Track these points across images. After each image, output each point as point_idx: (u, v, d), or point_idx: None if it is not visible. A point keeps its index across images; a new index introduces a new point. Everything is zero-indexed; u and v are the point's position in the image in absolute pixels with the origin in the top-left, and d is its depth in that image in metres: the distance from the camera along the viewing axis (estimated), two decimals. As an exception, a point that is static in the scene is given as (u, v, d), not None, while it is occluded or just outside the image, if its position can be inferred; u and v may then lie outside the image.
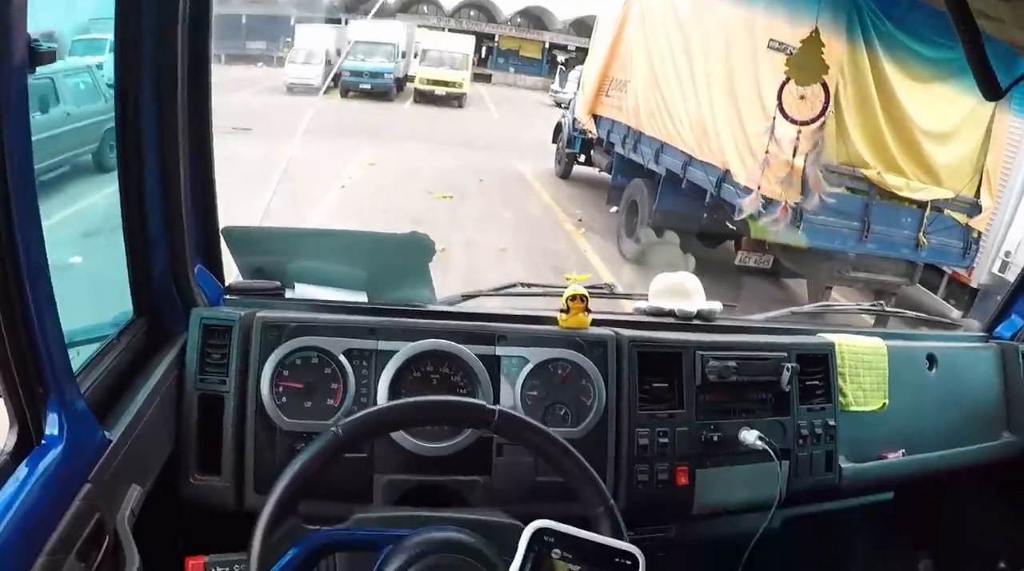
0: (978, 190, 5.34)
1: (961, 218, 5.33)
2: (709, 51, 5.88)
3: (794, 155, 1.40)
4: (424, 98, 18.68)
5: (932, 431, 1.82)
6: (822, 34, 1.40)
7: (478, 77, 24.72)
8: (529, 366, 1.37)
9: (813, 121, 1.35)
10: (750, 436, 1.48)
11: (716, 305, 1.70)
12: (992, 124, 5.23)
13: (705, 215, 6.10)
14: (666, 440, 1.44)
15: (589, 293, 1.47)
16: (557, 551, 0.78)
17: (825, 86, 1.45)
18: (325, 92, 16.93)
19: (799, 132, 1.34)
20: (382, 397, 1.30)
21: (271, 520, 0.88)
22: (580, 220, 8.20)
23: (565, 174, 10.46)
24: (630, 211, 7.21)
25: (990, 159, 5.31)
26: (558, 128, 10.69)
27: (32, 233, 0.80)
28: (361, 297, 1.51)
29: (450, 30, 24.60)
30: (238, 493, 1.26)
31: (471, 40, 22.10)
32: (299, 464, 0.92)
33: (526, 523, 0.80)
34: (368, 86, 17.88)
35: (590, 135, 8.95)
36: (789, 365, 1.55)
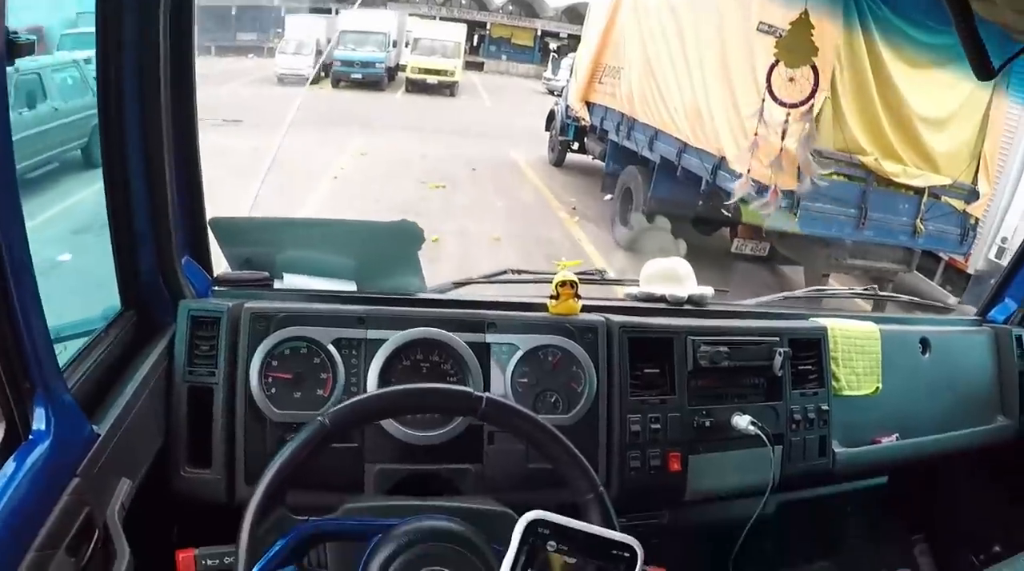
0: (975, 176, 5.32)
1: (958, 204, 5.31)
2: (703, 36, 5.84)
3: (783, 138, 1.40)
4: (416, 87, 18.59)
5: (926, 415, 1.82)
6: (818, 19, 1.39)
7: (470, 65, 24.59)
8: (519, 353, 1.37)
9: (802, 103, 1.34)
10: (742, 421, 1.48)
11: (708, 290, 1.70)
12: (989, 110, 5.20)
13: (700, 202, 6.07)
14: (658, 426, 1.44)
15: (580, 279, 1.46)
16: (552, 543, 0.75)
17: (815, 68, 1.43)
18: (317, 83, 16.85)
19: (788, 115, 1.34)
20: (372, 386, 1.29)
21: (258, 511, 0.88)
22: (574, 208, 8.18)
23: (558, 162, 10.43)
24: (624, 199, 7.20)
25: (987, 145, 5.29)
26: (551, 116, 10.65)
27: (14, 229, 0.79)
28: (350, 286, 1.50)
29: (441, 18, 24.40)
30: (229, 485, 1.25)
31: (463, 28, 21.95)
32: (286, 454, 0.92)
33: (517, 511, 0.78)
34: (359, 76, 17.81)
35: (583, 122, 8.92)
36: (781, 350, 1.55)
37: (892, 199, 5.18)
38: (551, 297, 1.46)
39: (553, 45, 26.68)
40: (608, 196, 7.82)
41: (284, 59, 17.26)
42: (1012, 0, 0.99)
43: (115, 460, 1.00)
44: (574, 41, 15.36)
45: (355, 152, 9.67)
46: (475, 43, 28.39)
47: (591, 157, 9.43)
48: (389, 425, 1.28)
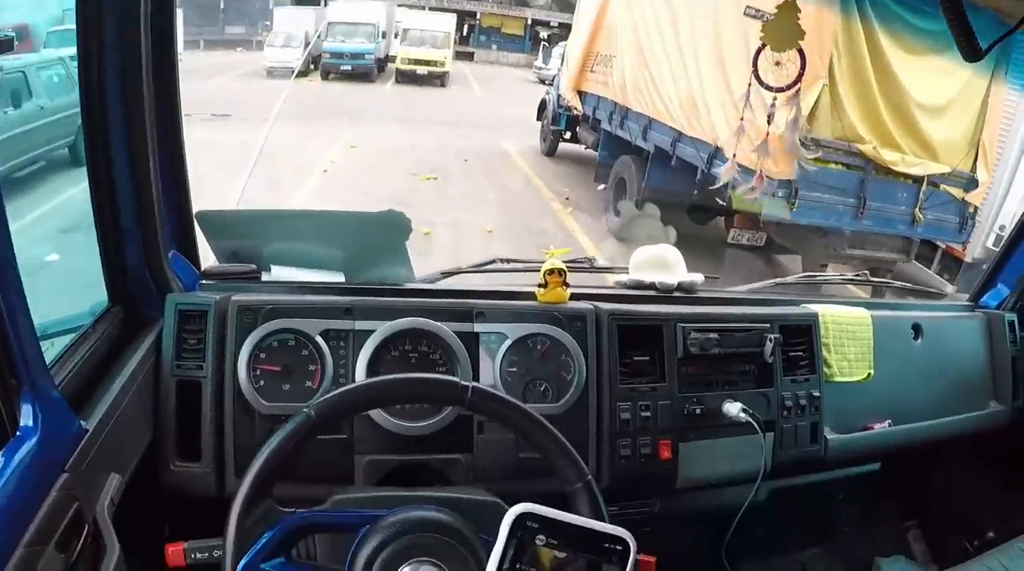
0: (974, 164, 5.28)
1: (957, 193, 5.28)
2: (696, 23, 5.80)
3: (769, 122, 1.39)
4: (406, 78, 18.47)
5: (918, 401, 1.82)
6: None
7: (460, 55, 24.49)
8: (508, 342, 1.37)
9: (789, 88, 1.34)
10: (733, 408, 1.48)
11: (698, 277, 1.70)
12: (988, 97, 5.16)
13: (695, 192, 6.01)
14: (648, 414, 1.44)
15: (569, 267, 1.46)
16: (542, 537, 0.74)
17: (802, 52, 1.43)
18: (306, 75, 16.75)
19: (775, 99, 1.33)
20: (360, 377, 1.29)
21: (245, 503, 0.88)
22: (567, 198, 8.14)
23: (550, 152, 10.38)
24: (618, 188, 7.15)
25: (986, 133, 5.25)
26: (542, 105, 10.58)
27: None
28: (338, 277, 1.50)
29: (430, 8, 24.25)
30: (219, 479, 1.25)
31: (452, 18, 21.82)
32: (272, 447, 0.92)
33: (507, 501, 0.78)
34: (349, 67, 17.69)
35: (575, 112, 8.85)
36: (772, 336, 1.55)
37: (890, 188, 5.14)
38: (539, 285, 1.45)
39: (544, 34, 26.56)
40: (601, 186, 7.78)
41: (273, 52, 17.11)
42: None
43: (104, 455, 1.00)
44: (565, 30, 15.27)
45: (345, 144, 9.61)
46: (465, 33, 28.24)
47: (584, 147, 9.39)
48: (378, 416, 1.27)
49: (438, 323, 1.34)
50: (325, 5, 20.39)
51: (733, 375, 1.55)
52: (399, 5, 21.52)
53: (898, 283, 2.30)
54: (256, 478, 0.90)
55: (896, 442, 1.78)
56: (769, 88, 1.44)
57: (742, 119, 1.54)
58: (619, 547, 0.75)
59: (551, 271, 1.44)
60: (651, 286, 1.67)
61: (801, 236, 5.46)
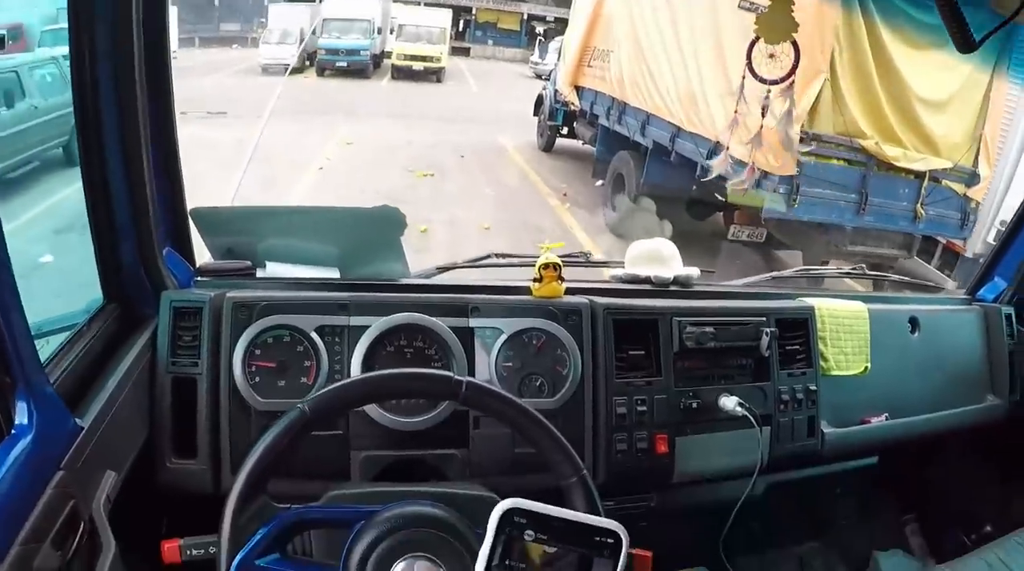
0: (976, 159, 5.23)
1: (959, 188, 5.22)
2: (695, 17, 5.73)
3: (763, 115, 1.39)
4: (402, 74, 18.46)
5: (915, 395, 1.82)
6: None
7: (456, 51, 24.45)
8: (503, 337, 1.36)
9: (783, 80, 1.33)
10: (730, 402, 1.48)
11: (693, 271, 1.70)
12: (990, 91, 5.10)
13: (694, 187, 5.97)
14: (644, 408, 1.44)
15: (564, 262, 1.46)
16: (530, 532, 0.73)
17: (796, 45, 1.42)
18: (302, 72, 16.71)
19: (769, 91, 1.33)
20: (355, 373, 1.29)
21: (240, 500, 0.88)
22: (565, 194, 8.10)
23: (548, 147, 10.33)
24: (616, 184, 7.10)
25: (988, 127, 5.19)
26: (539, 100, 10.53)
27: None
28: (333, 273, 1.50)
29: (426, 4, 24.12)
30: (215, 475, 1.25)
31: (448, 14, 21.77)
32: (266, 443, 0.92)
33: (503, 496, 0.77)
34: (345, 64, 17.69)
35: (572, 107, 8.80)
36: (768, 330, 1.55)
37: (892, 184, 5.08)
38: (534, 280, 1.45)
39: (540, 29, 26.51)
40: (599, 182, 7.73)
41: (268, 49, 17.08)
42: None
43: (99, 453, 1.00)
44: (561, 25, 15.26)
45: (341, 141, 9.59)
46: (461, 28, 28.21)
47: (581, 142, 9.34)
48: (374, 411, 1.28)
49: (433, 318, 1.34)
50: (320, 1, 20.33)
51: (729, 369, 1.55)
52: (395, 1, 21.46)
53: (894, 276, 2.30)
54: (251, 475, 0.90)
55: (893, 436, 1.78)
56: (763, 81, 1.44)
57: (736, 112, 1.54)
58: (611, 540, 0.74)
59: (546, 266, 1.44)
60: (647, 280, 1.66)
61: (802, 232, 5.40)
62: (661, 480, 1.49)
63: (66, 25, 1.13)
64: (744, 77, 1.44)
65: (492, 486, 1.07)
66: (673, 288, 1.67)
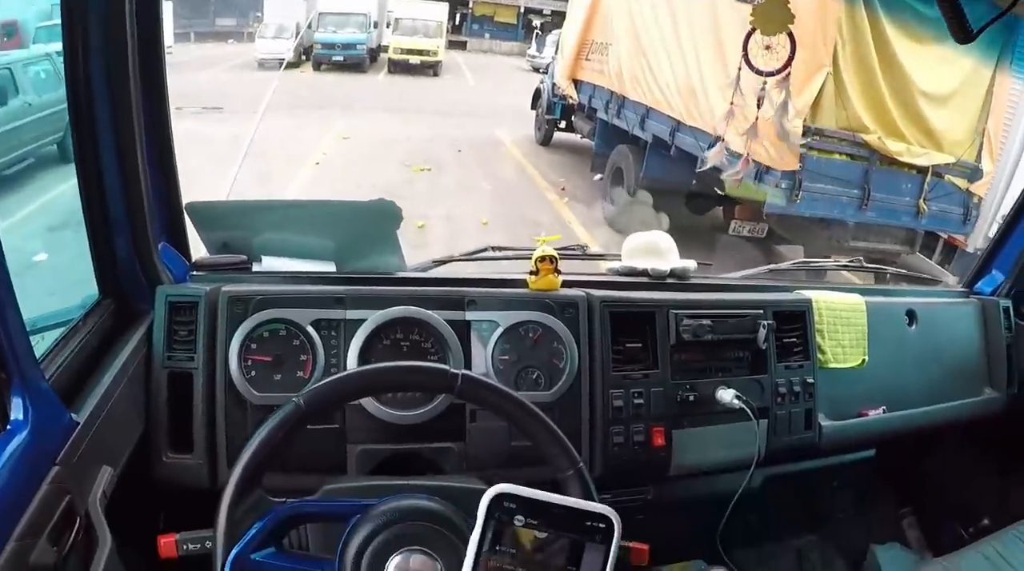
0: (979, 154, 5.19)
1: (962, 183, 5.18)
2: (695, 9, 5.68)
3: (759, 106, 1.38)
4: (398, 68, 18.43)
5: (913, 387, 1.82)
6: None
7: (453, 44, 24.43)
8: (499, 330, 1.36)
9: (779, 72, 1.33)
10: (727, 395, 1.48)
11: (690, 263, 1.70)
12: (993, 86, 5.07)
13: (694, 182, 5.86)
14: (641, 401, 1.44)
15: (561, 254, 1.46)
16: (520, 518, 0.72)
17: (792, 36, 1.42)
18: (298, 66, 16.67)
19: (765, 83, 1.32)
20: (351, 366, 1.28)
21: (235, 494, 0.88)
22: (563, 189, 8.07)
23: (545, 141, 10.30)
24: (615, 178, 7.06)
25: (991, 122, 5.16)
26: (537, 94, 10.48)
27: None
28: (329, 267, 1.49)
29: (422, -2, 24.13)
30: (211, 470, 1.25)
31: (444, 7, 21.71)
32: (261, 437, 0.92)
33: None
34: (341, 58, 17.63)
35: (571, 101, 8.76)
36: (765, 322, 1.55)
37: (895, 179, 5.03)
38: (531, 273, 1.45)
39: (536, 22, 26.45)
40: (598, 176, 7.70)
41: (264, 44, 17.02)
42: None
43: (95, 448, 1.00)
44: (558, 18, 15.21)
45: (337, 136, 9.57)
46: (457, 22, 28.15)
47: (579, 136, 9.31)
48: (370, 405, 1.27)
49: (429, 311, 1.34)
50: (316, -5, 20.26)
51: (726, 361, 1.55)
52: (391, -6, 21.39)
53: (891, 269, 2.30)
54: (246, 469, 0.90)
55: (891, 429, 1.78)
56: (759, 72, 1.43)
57: (732, 103, 1.54)
58: (602, 525, 0.72)
59: (542, 258, 1.43)
60: (643, 273, 1.67)
61: (804, 228, 5.35)
62: (658, 473, 1.49)
63: (60, 21, 1.12)
64: (740, 68, 1.44)
65: (488, 479, 1.06)
66: (670, 280, 1.67)
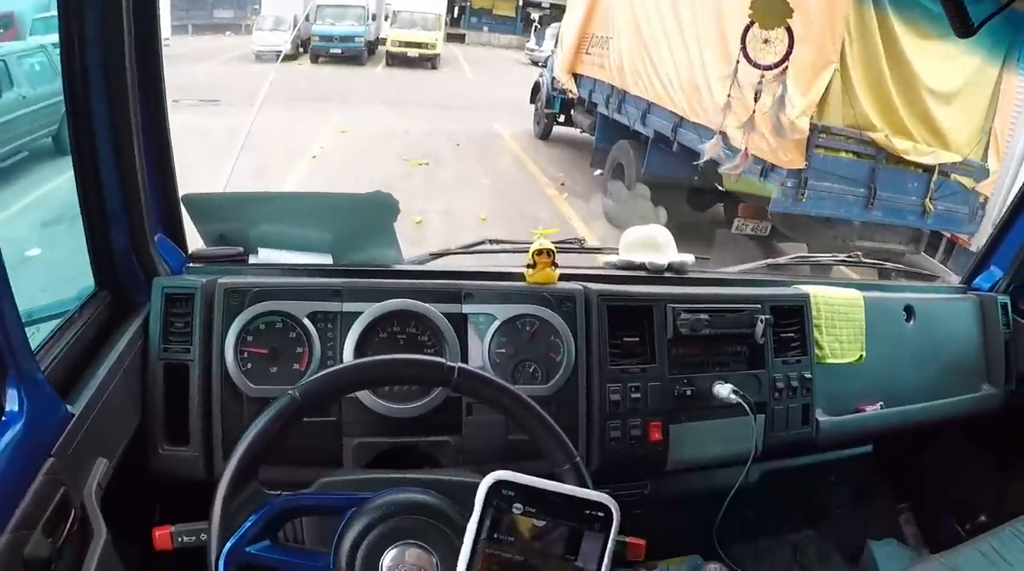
0: (985, 153, 5.13)
1: (968, 182, 5.12)
2: (698, 3, 5.61)
3: (756, 100, 1.38)
4: (396, 61, 18.40)
5: (910, 383, 1.82)
6: None
7: (451, 37, 24.40)
8: (496, 323, 1.36)
9: (776, 66, 1.33)
10: (724, 390, 1.47)
11: (688, 257, 1.69)
12: (1000, 84, 5.01)
13: (696, 178, 5.81)
14: (638, 395, 1.44)
15: (558, 248, 1.45)
16: (519, 506, 0.72)
17: (790, 31, 1.42)
18: (296, 59, 16.62)
19: (762, 77, 1.32)
20: (347, 359, 1.28)
21: (230, 486, 0.88)
22: (562, 184, 8.03)
23: (544, 135, 10.26)
24: (615, 174, 7.00)
25: (998, 121, 5.10)
26: (536, 88, 10.42)
27: None
28: (326, 259, 1.49)
29: (421, -10, 24.03)
30: (207, 462, 1.25)
31: (443, 0, 21.63)
32: (256, 429, 0.91)
33: None
34: (339, 51, 17.59)
35: (571, 95, 8.70)
36: (763, 317, 1.54)
37: (901, 177, 4.96)
38: (528, 266, 1.45)
39: (535, 15, 26.36)
40: (598, 171, 7.65)
41: (262, 36, 16.97)
42: None
43: (91, 440, 1.00)
44: (557, 11, 15.16)
45: (335, 129, 9.52)
46: (456, 15, 28.10)
47: (579, 130, 9.26)
48: (367, 398, 1.27)
49: (426, 304, 1.33)
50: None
51: (724, 356, 1.55)
52: (389, -13, 21.31)
53: (890, 265, 2.29)
54: (241, 461, 0.89)
55: (888, 424, 1.78)
56: (757, 66, 1.43)
57: (729, 96, 1.53)
58: (601, 514, 0.72)
59: (540, 252, 1.43)
60: (641, 266, 1.66)
61: (809, 227, 5.27)
62: (655, 468, 1.48)
63: (56, 13, 1.11)
64: (739, 61, 1.43)
65: (484, 473, 1.06)
66: (668, 274, 1.67)
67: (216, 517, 0.86)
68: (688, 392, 1.48)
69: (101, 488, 0.98)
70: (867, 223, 5.16)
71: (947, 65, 4.78)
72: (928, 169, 4.99)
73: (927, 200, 5.05)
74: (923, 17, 4.46)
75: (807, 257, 2.28)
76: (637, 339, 1.47)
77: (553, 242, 1.47)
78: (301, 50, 17.36)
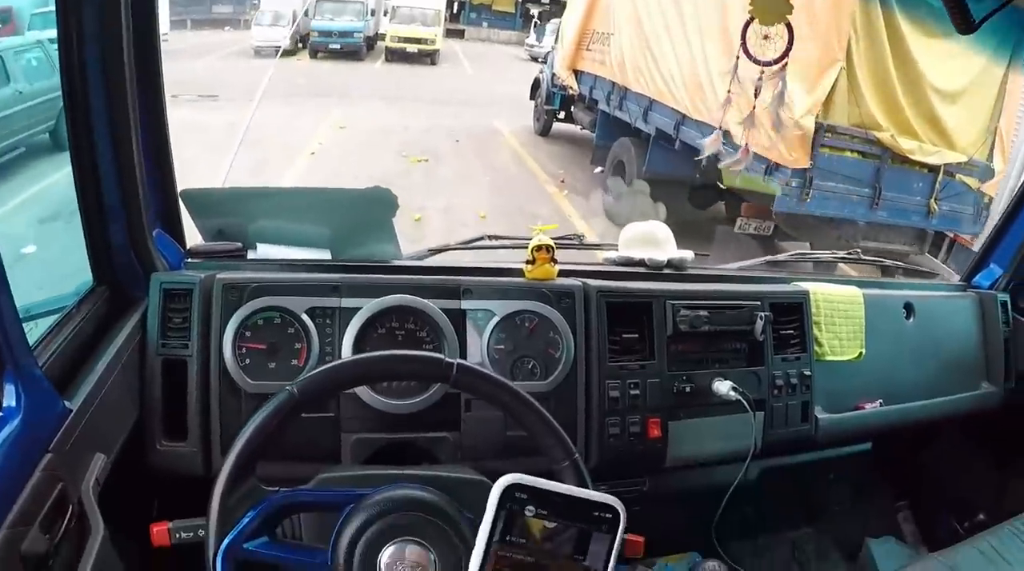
0: (990, 153, 5.12)
1: (973, 182, 5.10)
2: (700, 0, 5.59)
3: (756, 96, 1.38)
4: (396, 56, 18.36)
5: (910, 381, 1.82)
6: None
7: (450, 33, 24.35)
8: (495, 319, 1.35)
9: (776, 62, 1.33)
10: (723, 387, 1.47)
11: (687, 254, 1.69)
12: (1005, 83, 4.99)
13: (698, 176, 5.83)
14: (637, 392, 1.43)
15: (557, 244, 1.45)
16: (531, 508, 0.73)
17: (790, 27, 1.41)
18: (294, 54, 16.58)
19: (761, 73, 1.32)
20: (346, 355, 1.28)
21: (228, 482, 0.88)
22: (562, 181, 7.99)
23: (544, 132, 10.23)
24: (616, 171, 6.97)
25: (1003, 120, 5.09)
26: (536, 84, 10.38)
27: None
28: (325, 255, 1.49)
29: (420, -15, 23.98)
30: (205, 457, 1.25)
31: (442, -5, 21.62)
32: (254, 425, 0.91)
33: (494, 479, 0.76)
34: (338, 46, 17.53)
35: (570, 91, 8.68)
36: (763, 314, 1.54)
37: (906, 177, 4.94)
38: (527, 262, 1.44)
39: (535, 11, 26.22)
40: (598, 168, 7.62)
41: (260, 31, 16.90)
42: None
43: (89, 435, 0.99)
44: (556, 7, 15.13)
45: (333, 125, 9.49)
46: (455, 10, 28.03)
47: (579, 127, 9.22)
48: (365, 394, 1.27)
49: (425, 300, 1.33)
50: (313, -17, 20.12)
51: (723, 353, 1.55)
52: (389, -18, 21.26)
53: (889, 262, 2.29)
54: (239, 457, 0.89)
55: (888, 422, 1.78)
56: (757, 62, 1.43)
57: (729, 91, 1.53)
58: (609, 515, 0.74)
59: (539, 247, 1.43)
60: (640, 263, 1.66)
61: (813, 227, 5.24)
62: (654, 464, 1.48)
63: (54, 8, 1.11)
64: (739, 57, 1.43)
65: (483, 469, 1.06)
66: (667, 271, 1.67)
67: (214, 513, 0.86)
68: (687, 389, 1.47)
69: (99, 484, 0.98)
70: (871, 223, 5.14)
71: (953, 64, 4.75)
72: (933, 169, 4.97)
73: (932, 200, 5.04)
74: (929, 15, 4.43)
75: (807, 254, 2.28)
76: (636, 335, 1.47)
77: (552, 238, 1.47)
78: (300, 46, 17.31)
